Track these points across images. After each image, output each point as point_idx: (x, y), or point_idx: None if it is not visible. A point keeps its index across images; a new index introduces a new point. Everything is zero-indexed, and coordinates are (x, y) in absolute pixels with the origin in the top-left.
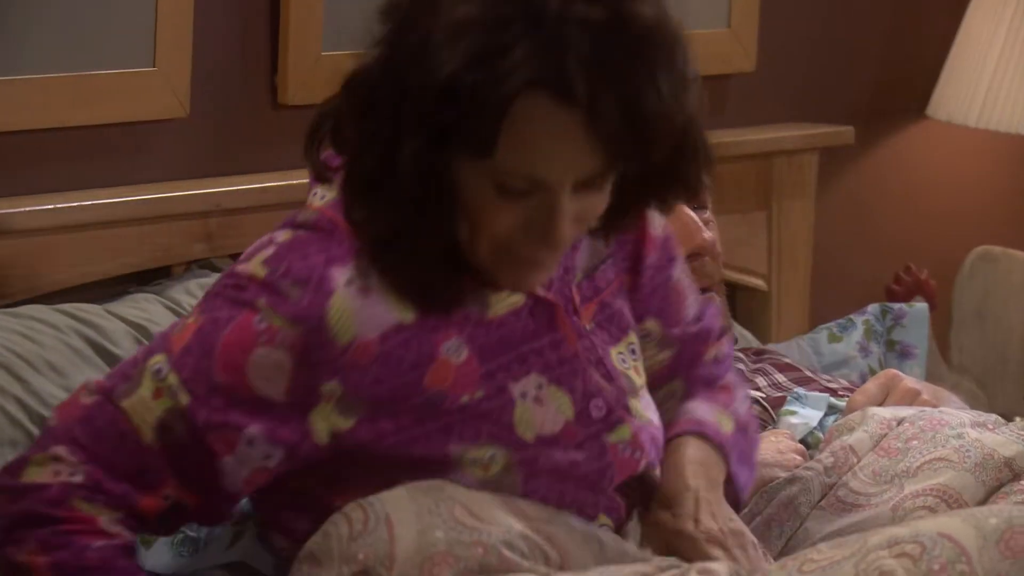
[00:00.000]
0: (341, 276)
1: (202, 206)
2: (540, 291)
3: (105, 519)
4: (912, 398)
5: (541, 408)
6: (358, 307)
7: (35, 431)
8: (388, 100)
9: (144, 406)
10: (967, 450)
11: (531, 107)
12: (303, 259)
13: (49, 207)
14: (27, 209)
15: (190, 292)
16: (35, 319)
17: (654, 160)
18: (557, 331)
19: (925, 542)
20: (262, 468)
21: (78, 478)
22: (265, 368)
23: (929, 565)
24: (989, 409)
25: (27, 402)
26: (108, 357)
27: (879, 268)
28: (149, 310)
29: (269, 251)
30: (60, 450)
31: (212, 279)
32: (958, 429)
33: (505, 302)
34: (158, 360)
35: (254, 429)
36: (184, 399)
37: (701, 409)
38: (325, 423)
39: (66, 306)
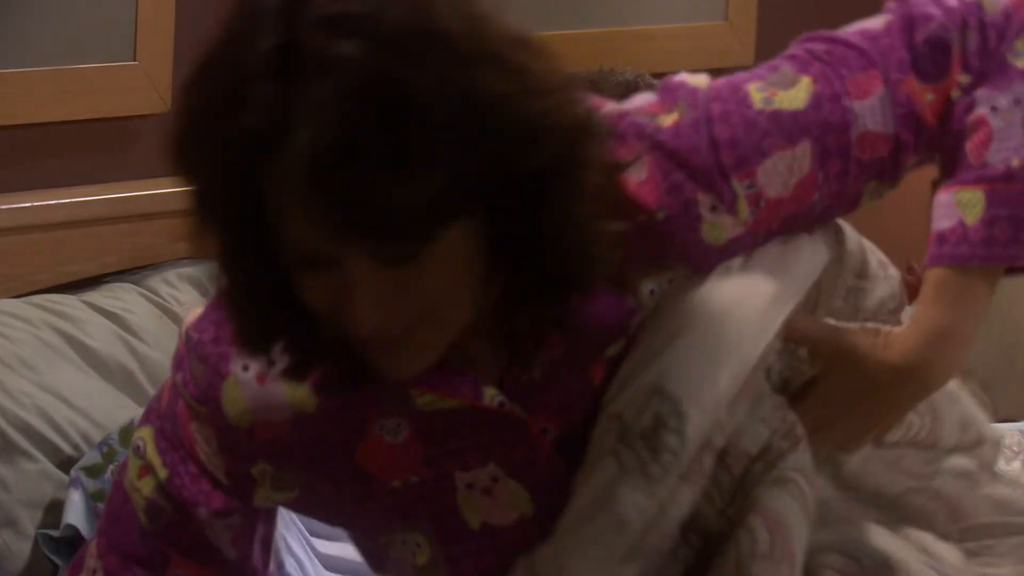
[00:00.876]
0: (239, 357)
1: (184, 204)
2: (495, 398)
3: None
4: None
5: (489, 499)
6: (250, 395)
7: (12, 433)
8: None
9: (134, 487)
10: None
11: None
12: (217, 328)
13: (26, 205)
14: (3, 207)
15: (168, 282)
16: (7, 313)
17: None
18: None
19: None
20: (239, 534)
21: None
22: (203, 442)
23: None
24: (994, 413)
25: (2, 402)
26: (84, 351)
27: None
28: (126, 299)
29: (210, 305)
30: (98, 539)
31: (193, 268)
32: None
33: (447, 403)
34: (141, 434)
35: (216, 504)
36: (163, 474)
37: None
38: (266, 500)
39: (39, 297)
